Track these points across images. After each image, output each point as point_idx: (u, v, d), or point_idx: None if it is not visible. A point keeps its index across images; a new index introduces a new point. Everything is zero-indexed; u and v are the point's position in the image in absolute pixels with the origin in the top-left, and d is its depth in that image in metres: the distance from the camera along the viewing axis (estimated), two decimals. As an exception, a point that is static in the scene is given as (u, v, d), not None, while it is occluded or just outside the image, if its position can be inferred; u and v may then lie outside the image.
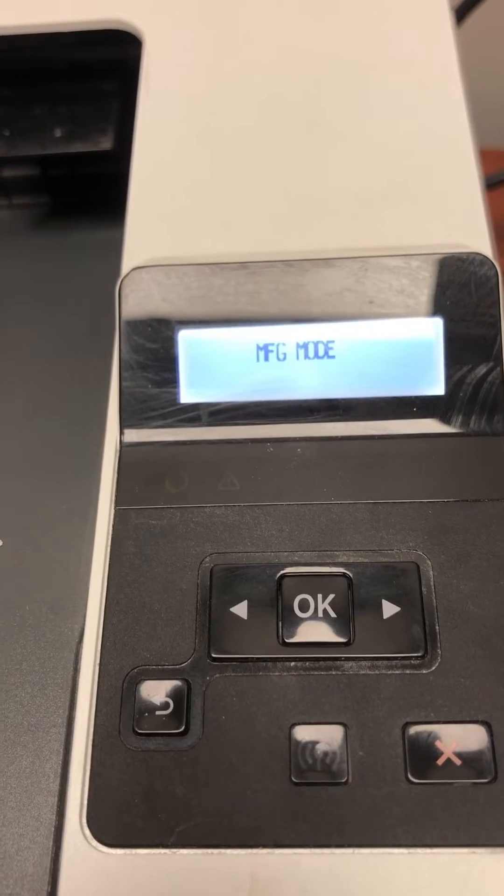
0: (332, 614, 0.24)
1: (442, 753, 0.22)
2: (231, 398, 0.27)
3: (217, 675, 0.23)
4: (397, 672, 0.23)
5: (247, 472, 0.26)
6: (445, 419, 0.27)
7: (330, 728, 0.22)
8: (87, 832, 0.22)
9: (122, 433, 0.27)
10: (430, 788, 0.22)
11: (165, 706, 0.23)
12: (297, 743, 0.22)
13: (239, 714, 0.23)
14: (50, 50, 0.37)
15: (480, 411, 0.26)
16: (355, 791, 0.22)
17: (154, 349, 0.27)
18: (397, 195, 0.30)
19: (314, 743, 0.22)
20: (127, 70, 0.36)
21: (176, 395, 0.27)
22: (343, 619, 0.24)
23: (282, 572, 0.25)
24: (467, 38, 0.37)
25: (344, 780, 0.22)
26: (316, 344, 0.27)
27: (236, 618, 0.24)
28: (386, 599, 0.24)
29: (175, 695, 0.23)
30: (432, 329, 0.27)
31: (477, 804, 0.21)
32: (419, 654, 0.23)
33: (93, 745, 0.23)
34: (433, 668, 0.23)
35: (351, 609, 0.24)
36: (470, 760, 0.22)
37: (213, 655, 0.24)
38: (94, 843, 0.22)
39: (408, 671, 0.23)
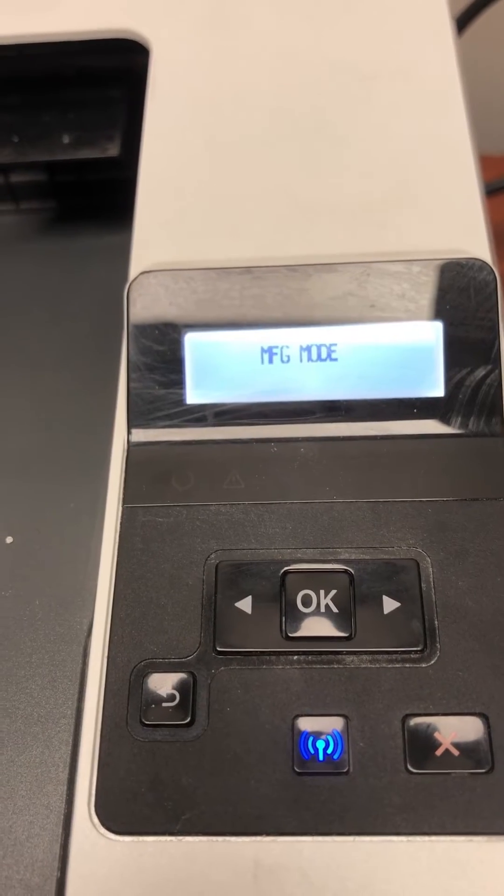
0: (334, 609, 0.24)
1: (440, 744, 0.22)
2: (236, 399, 0.27)
3: (222, 668, 0.24)
4: (397, 666, 0.23)
5: (251, 471, 0.27)
6: (445, 420, 0.27)
7: (332, 720, 0.23)
8: (96, 820, 0.22)
9: (129, 433, 0.28)
10: (429, 778, 0.22)
11: (172, 698, 0.23)
12: (300, 734, 0.23)
13: (243, 706, 0.23)
14: (59, 58, 0.38)
15: (479, 413, 0.27)
16: (356, 781, 0.22)
17: (161, 351, 0.28)
18: (399, 201, 0.30)
19: (317, 734, 0.23)
20: (134, 78, 0.37)
21: (182, 395, 0.28)
22: (345, 615, 0.24)
23: (285, 569, 0.25)
24: (468, 45, 0.38)
25: (345, 771, 0.22)
26: (319, 347, 0.27)
27: (241, 613, 0.24)
28: (386, 595, 0.24)
29: (181, 687, 0.23)
30: (432, 333, 0.27)
31: (474, 793, 0.22)
32: (419, 649, 0.24)
33: (101, 736, 0.23)
34: (432, 661, 0.23)
35: (352, 604, 0.24)
36: (467, 751, 0.22)
37: (219, 649, 0.24)
38: (103, 830, 0.22)
39: (407, 665, 0.23)
